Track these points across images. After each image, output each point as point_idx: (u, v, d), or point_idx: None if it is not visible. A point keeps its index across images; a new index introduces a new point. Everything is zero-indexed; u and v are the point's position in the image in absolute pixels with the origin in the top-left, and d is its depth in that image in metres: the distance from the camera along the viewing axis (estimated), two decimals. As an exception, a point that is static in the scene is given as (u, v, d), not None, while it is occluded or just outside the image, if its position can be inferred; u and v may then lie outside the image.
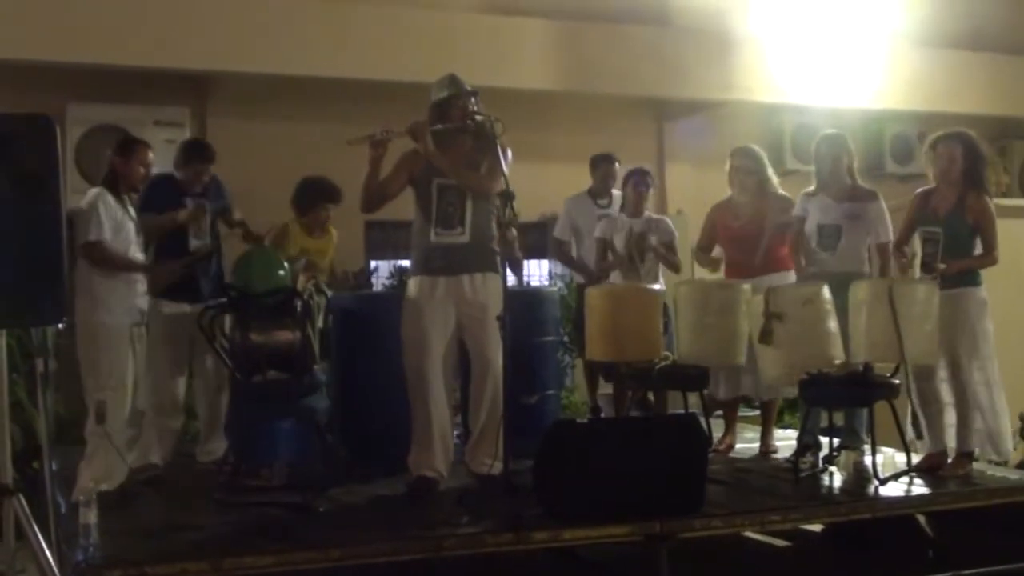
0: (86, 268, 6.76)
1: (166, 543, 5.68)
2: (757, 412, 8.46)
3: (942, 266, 6.91)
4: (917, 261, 7.09)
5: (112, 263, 6.80)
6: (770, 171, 8.06)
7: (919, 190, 7.37)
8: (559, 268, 12.01)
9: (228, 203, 7.85)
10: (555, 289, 10.44)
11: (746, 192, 7.97)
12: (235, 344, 6.73)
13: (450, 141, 6.66)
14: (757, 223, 7.90)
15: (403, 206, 6.94)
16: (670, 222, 8.58)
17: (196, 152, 7.72)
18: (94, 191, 6.87)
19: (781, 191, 8.04)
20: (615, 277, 8.47)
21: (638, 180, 8.49)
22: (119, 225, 6.84)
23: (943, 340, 6.91)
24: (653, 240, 8.35)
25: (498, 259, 6.71)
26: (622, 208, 8.58)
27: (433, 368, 6.65)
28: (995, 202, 7.36)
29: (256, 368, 6.70)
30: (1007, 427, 7.21)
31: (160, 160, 8.15)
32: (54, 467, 6.04)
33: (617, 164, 9.10)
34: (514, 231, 7.17)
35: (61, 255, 4.89)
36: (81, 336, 6.70)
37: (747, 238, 7.92)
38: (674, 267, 8.43)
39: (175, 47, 9.75)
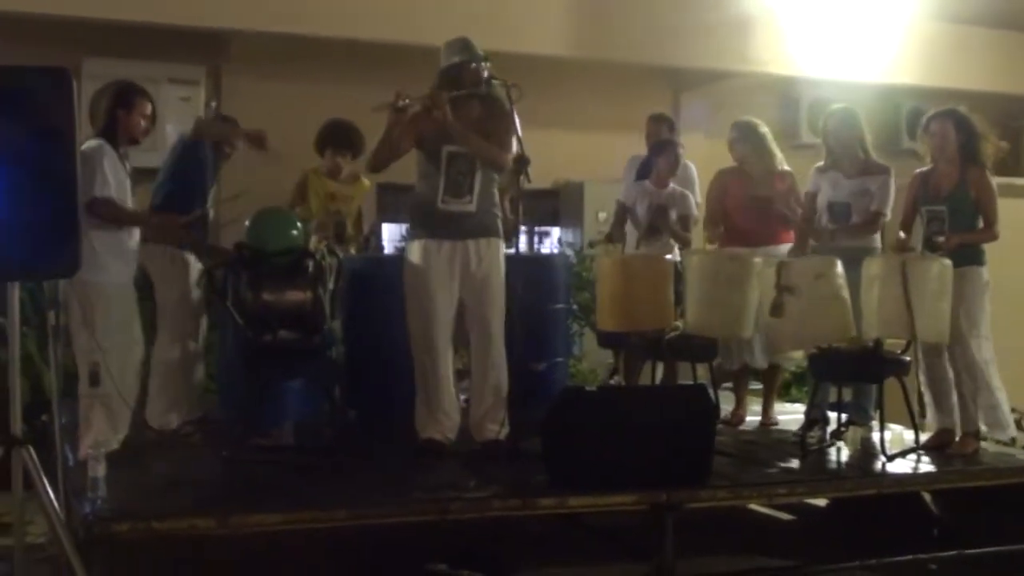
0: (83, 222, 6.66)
1: (174, 499, 5.71)
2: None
3: (940, 239, 6.90)
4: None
5: (121, 219, 6.72)
6: (772, 146, 8.03)
7: (917, 171, 7.35)
8: (568, 236, 12.03)
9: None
10: (565, 256, 10.43)
11: (747, 166, 7.96)
12: (247, 303, 6.73)
13: (460, 107, 6.63)
14: (764, 194, 7.87)
15: (413, 169, 6.91)
16: (690, 197, 8.53)
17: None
18: (94, 143, 6.65)
19: (785, 166, 8.00)
20: (631, 247, 8.43)
21: (671, 154, 8.44)
22: (119, 181, 6.71)
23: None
24: (673, 215, 8.31)
25: (500, 225, 6.72)
26: (649, 177, 8.54)
27: (439, 331, 6.65)
28: (1007, 181, 7.35)
29: (267, 327, 6.70)
30: (1005, 402, 7.21)
31: (174, 118, 8.15)
32: (63, 420, 6.07)
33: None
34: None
35: (77, 208, 4.88)
36: (74, 295, 6.41)
37: (753, 208, 7.91)
38: (685, 242, 8.39)
39: (192, 4, 9.72)
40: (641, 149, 8.93)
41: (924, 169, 7.29)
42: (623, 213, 8.50)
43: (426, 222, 6.74)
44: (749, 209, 7.90)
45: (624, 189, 8.65)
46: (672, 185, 8.44)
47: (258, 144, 7.30)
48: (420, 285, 6.67)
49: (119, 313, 6.64)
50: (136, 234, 6.86)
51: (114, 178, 6.64)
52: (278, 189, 8.20)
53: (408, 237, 7.00)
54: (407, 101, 6.49)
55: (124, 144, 6.84)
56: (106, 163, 6.60)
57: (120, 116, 6.78)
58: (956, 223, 6.99)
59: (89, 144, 6.60)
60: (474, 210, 6.65)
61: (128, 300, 6.77)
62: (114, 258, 6.61)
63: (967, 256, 6.99)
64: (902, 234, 7.24)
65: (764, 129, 8.07)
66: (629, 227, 8.48)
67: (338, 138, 8.23)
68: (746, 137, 8.01)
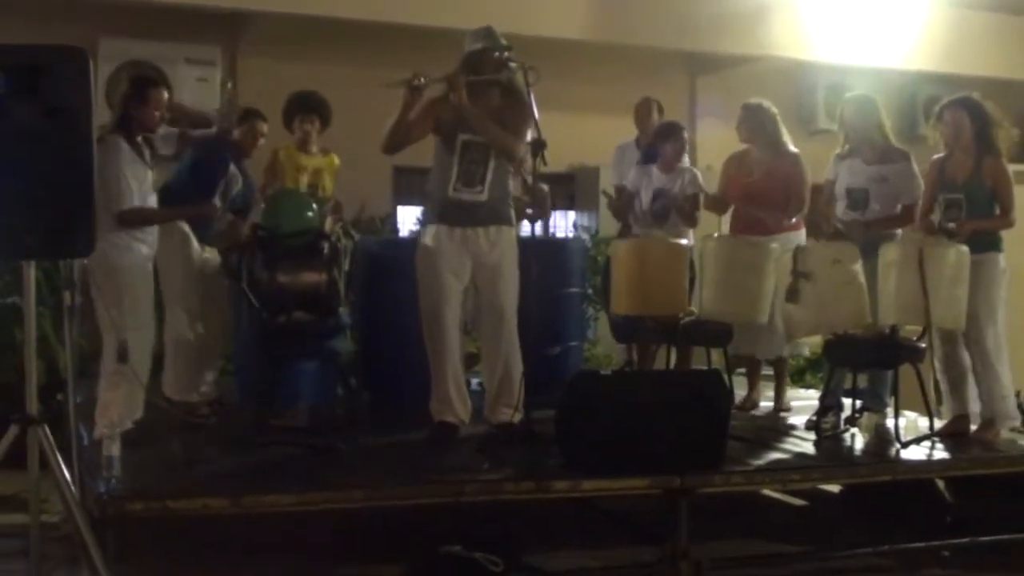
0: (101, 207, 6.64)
1: (188, 478, 5.71)
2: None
3: (951, 225, 6.88)
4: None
5: (151, 222, 6.74)
6: (781, 129, 7.99)
7: (934, 157, 7.30)
8: (584, 219, 12.02)
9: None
10: (580, 240, 10.42)
11: (757, 147, 7.91)
12: (262, 284, 6.73)
13: (479, 94, 6.62)
14: (769, 180, 7.83)
15: (431, 152, 6.90)
16: (699, 174, 8.48)
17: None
18: (109, 139, 6.53)
19: (792, 148, 7.96)
20: (636, 230, 8.41)
21: (680, 138, 8.41)
22: (140, 179, 6.68)
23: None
24: (675, 187, 8.27)
25: (512, 213, 6.72)
26: (655, 160, 8.51)
27: (449, 314, 6.65)
28: (1022, 168, 7.32)
29: (282, 308, 6.70)
30: (1011, 390, 7.20)
31: (190, 97, 8.13)
32: (78, 400, 6.09)
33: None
34: (544, 187, 7.15)
35: (92, 188, 4.89)
36: (98, 275, 6.44)
37: (758, 195, 7.86)
38: (691, 221, 8.35)
39: (209, -16, 9.75)
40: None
41: (941, 156, 7.25)
42: (628, 197, 8.48)
43: (438, 208, 6.74)
44: (751, 196, 7.86)
45: (617, 175, 8.61)
46: (679, 165, 8.39)
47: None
48: (431, 268, 6.67)
49: (142, 293, 6.69)
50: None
51: (134, 177, 6.63)
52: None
53: (422, 221, 6.99)
54: (423, 80, 6.48)
55: (139, 135, 6.82)
56: (125, 168, 6.58)
57: (133, 110, 6.76)
58: (972, 210, 6.97)
59: (105, 140, 6.47)
60: (485, 199, 6.64)
61: (149, 281, 6.79)
62: (134, 240, 6.65)
63: (985, 243, 6.96)
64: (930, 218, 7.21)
65: (773, 110, 8.00)
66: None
67: (304, 105, 8.12)
68: (752, 116, 7.95)
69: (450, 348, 6.67)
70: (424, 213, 6.94)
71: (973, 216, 6.94)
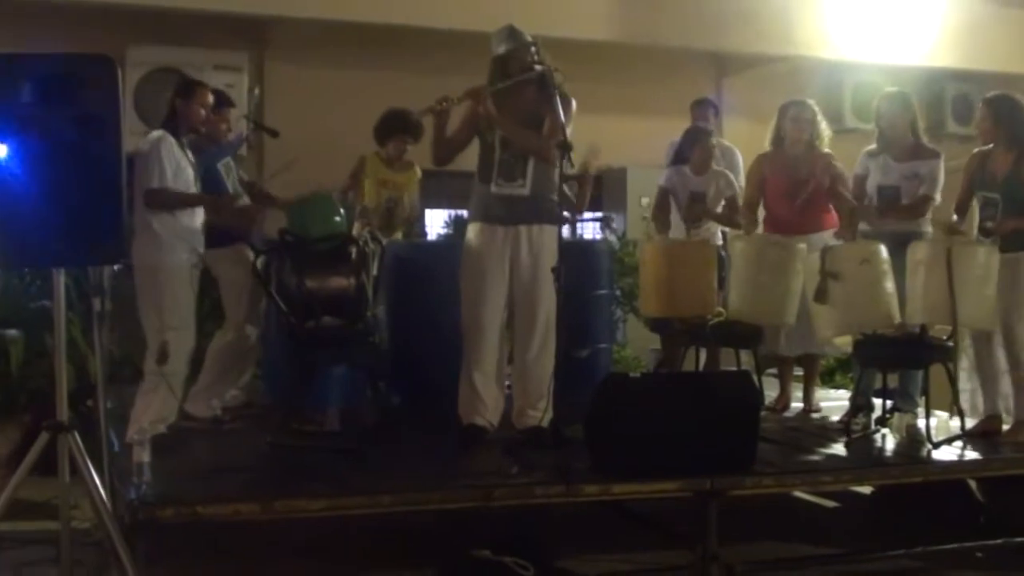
0: (145, 209, 6.75)
1: (218, 484, 5.72)
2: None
3: (989, 224, 6.84)
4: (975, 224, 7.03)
5: (174, 204, 6.79)
6: (823, 127, 7.95)
7: (976, 150, 7.26)
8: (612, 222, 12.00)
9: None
10: (608, 242, 10.40)
11: (799, 146, 7.86)
12: (290, 289, 6.74)
13: (514, 95, 6.64)
14: (804, 179, 7.79)
15: (459, 156, 6.93)
16: (732, 177, 8.49)
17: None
18: (156, 134, 6.80)
19: (827, 149, 7.92)
20: (674, 232, 8.40)
21: (704, 144, 8.41)
22: (179, 169, 6.80)
23: (998, 305, 6.84)
24: (711, 191, 8.28)
25: (557, 211, 6.70)
26: (686, 162, 8.50)
27: (488, 315, 6.65)
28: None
29: (310, 314, 6.70)
30: None
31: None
32: (108, 406, 6.11)
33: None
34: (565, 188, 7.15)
35: (121, 195, 4.91)
36: (141, 277, 6.63)
37: (793, 194, 7.82)
38: (733, 224, 8.33)
39: (236, -9, 9.77)
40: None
41: (984, 149, 7.19)
42: (665, 198, 8.47)
43: (481, 206, 6.77)
44: (791, 195, 7.80)
45: (665, 174, 8.61)
46: (713, 167, 8.39)
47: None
48: (473, 268, 6.70)
49: (182, 294, 6.74)
50: (199, 217, 6.94)
51: (172, 167, 6.72)
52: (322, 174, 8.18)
53: (468, 220, 7.01)
54: (446, 104, 6.57)
55: (185, 133, 6.94)
56: (163, 152, 6.70)
57: (179, 106, 6.88)
58: (1009, 210, 6.88)
59: (151, 136, 6.79)
60: (527, 194, 6.64)
61: (189, 283, 6.83)
62: (177, 240, 6.73)
63: (1020, 242, 6.89)
64: (955, 217, 7.16)
65: (815, 109, 7.98)
66: (674, 213, 8.45)
67: (403, 125, 8.35)
68: (812, 115, 7.89)
69: (485, 349, 6.68)
70: (469, 212, 6.96)
71: (1010, 214, 6.87)
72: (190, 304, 6.81)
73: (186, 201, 6.84)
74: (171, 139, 6.78)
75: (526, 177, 6.63)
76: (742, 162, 9.03)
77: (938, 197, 7.38)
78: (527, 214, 6.63)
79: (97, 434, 5.78)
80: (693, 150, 8.37)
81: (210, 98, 7.09)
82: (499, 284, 6.67)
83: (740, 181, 8.68)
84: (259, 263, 6.84)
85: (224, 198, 7.24)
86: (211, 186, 7.20)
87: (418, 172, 8.55)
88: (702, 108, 9.19)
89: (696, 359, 8.06)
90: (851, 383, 7.98)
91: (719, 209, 8.33)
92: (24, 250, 4.90)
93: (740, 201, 8.27)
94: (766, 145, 8.01)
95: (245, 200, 7.50)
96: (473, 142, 6.84)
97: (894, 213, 7.33)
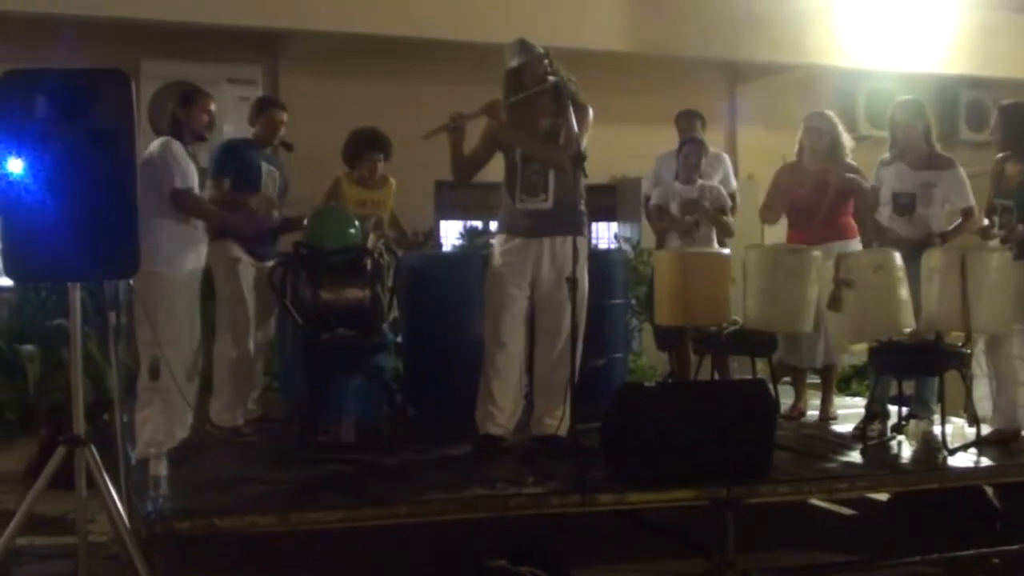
0: (147, 217, 6.68)
1: (234, 496, 5.74)
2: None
3: (1001, 232, 6.84)
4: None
5: (200, 212, 6.80)
6: (843, 138, 7.96)
7: (999, 155, 7.27)
8: (626, 231, 12.02)
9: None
10: (623, 251, 10.40)
11: (817, 156, 7.86)
12: (305, 301, 6.76)
13: (531, 107, 6.67)
14: (823, 190, 7.79)
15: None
16: (722, 189, 8.62)
17: (268, 101, 7.72)
18: (161, 140, 6.82)
19: (850, 160, 7.92)
20: (672, 240, 8.44)
21: (689, 151, 8.49)
22: (189, 175, 6.80)
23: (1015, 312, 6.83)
24: (707, 204, 8.32)
25: (584, 221, 6.73)
26: (676, 176, 8.57)
27: (508, 326, 6.68)
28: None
29: (325, 325, 6.72)
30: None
31: (233, 118, 8.16)
32: (125, 420, 6.12)
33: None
34: None
35: (135, 210, 4.94)
36: (137, 287, 6.34)
37: (813, 205, 7.82)
38: (726, 231, 8.39)
39: (249, 4, 9.79)
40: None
41: (1005, 155, 7.21)
42: (659, 214, 8.54)
43: (507, 219, 6.82)
44: (810, 214, 7.81)
45: (656, 191, 8.68)
46: (700, 181, 8.48)
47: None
48: (496, 279, 6.74)
49: (183, 305, 6.74)
50: (202, 225, 6.94)
51: (179, 166, 6.76)
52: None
53: (496, 232, 7.04)
54: (460, 122, 6.61)
55: (190, 141, 6.96)
56: (175, 153, 6.74)
57: (180, 115, 6.90)
58: (1023, 217, 6.90)
59: (157, 141, 6.82)
60: (550, 207, 6.67)
61: (192, 292, 6.84)
62: (180, 249, 6.75)
63: (1033, 249, 6.90)
64: (986, 221, 7.15)
65: (835, 120, 8.00)
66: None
67: (371, 144, 8.13)
68: (831, 126, 7.91)
69: (509, 361, 6.71)
70: (498, 225, 6.99)
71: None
72: (188, 318, 6.82)
73: (208, 215, 6.85)
74: (177, 143, 6.80)
75: (548, 191, 6.67)
76: (731, 166, 9.13)
77: (972, 201, 7.37)
78: (550, 227, 6.65)
79: (114, 448, 5.78)
80: (679, 159, 8.54)
81: (212, 104, 7.10)
82: (521, 296, 6.70)
83: (732, 182, 8.97)
84: (275, 275, 6.86)
85: (249, 218, 7.19)
86: (245, 184, 7.23)
87: (393, 185, 8.35)
88: (689, 119, 9.19)
89: (712, 369, 8.06)
90: (866, 390, 7.96)
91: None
92: (40, 265, 4.93)
93: (728, 209, 8.46)
94: (793, 155, 8.06)
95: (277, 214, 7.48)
96: (498, 156, 6.86)
97: (950, 235, 7.34)
